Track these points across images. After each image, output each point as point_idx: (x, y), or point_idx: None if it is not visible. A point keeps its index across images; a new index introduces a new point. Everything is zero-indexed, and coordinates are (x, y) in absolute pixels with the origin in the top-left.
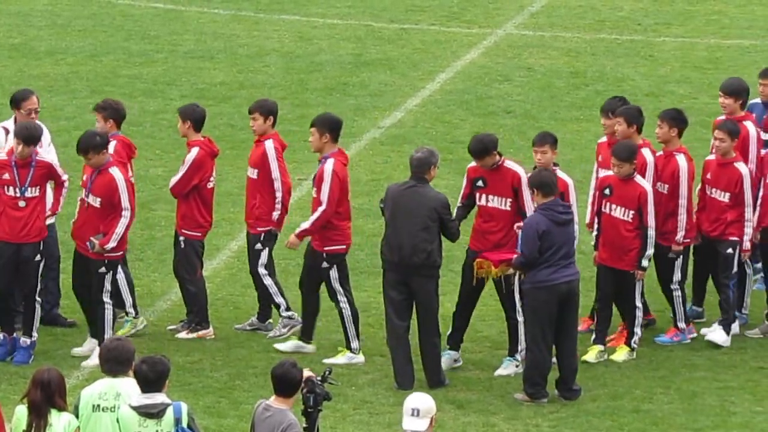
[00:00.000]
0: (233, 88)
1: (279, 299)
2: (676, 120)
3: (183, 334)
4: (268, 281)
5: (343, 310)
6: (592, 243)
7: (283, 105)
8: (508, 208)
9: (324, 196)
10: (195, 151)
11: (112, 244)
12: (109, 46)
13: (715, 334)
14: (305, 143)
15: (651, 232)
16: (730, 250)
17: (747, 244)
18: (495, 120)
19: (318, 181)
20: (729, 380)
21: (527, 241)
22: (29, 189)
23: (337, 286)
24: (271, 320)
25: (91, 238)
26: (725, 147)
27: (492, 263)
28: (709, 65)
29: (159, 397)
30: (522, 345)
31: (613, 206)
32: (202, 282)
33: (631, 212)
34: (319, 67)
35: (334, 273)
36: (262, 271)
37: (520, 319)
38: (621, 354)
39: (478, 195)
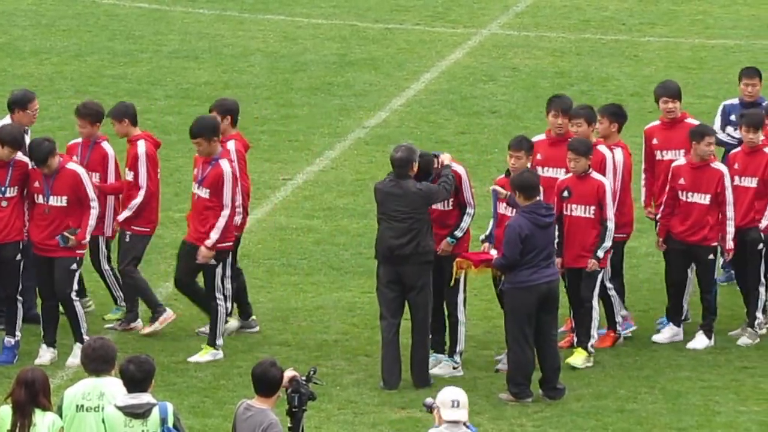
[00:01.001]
0: (218, 88)
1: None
2: (616, 115)
3: (147, 329)
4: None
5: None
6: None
7: (267, 105)
8: (450, 208)
9: (227, 199)
10: (143, 143)
11: (88, 238)
12: (94, 46)
13: (697, 341)
14: (290, 143)
15: (610, 225)
16: (711, 256)
17: (730, 243)
18: (480, 120)
19: (215, 182)
20: (713, 380)
21: (509, 243)
22: (9, 189)
23: (221, 282)
24: (254, 317)
25: (64, 233)
26: (713, 151)
27: (472, 263)
28: (693, 65)
29: (144, 397)
30: (460, 346)
31: (573, 206)
32: (137, 273)
33: (592, 208)
34: (303, 67)
35: (219, 270)
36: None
37: (461, 318)
38: (578, 358)
39: None
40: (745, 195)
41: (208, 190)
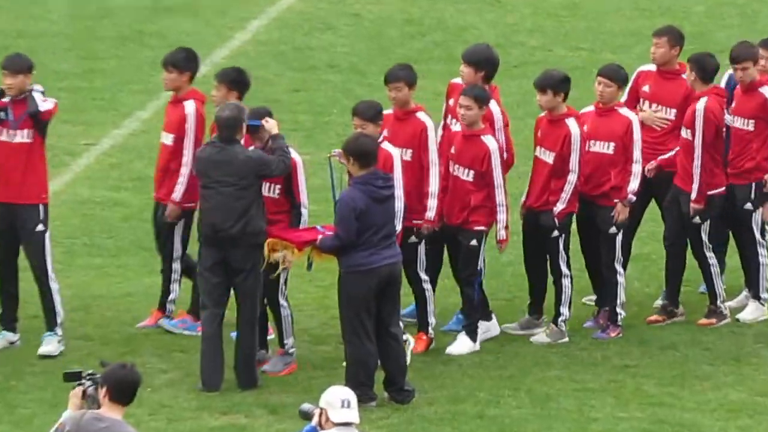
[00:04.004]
0: (11, 37)
1: None
2: (236, 82)
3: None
4: None
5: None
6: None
7: (68, 57)
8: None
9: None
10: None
11: None
12: None
13: (456, 345)
14: (94, 101)
15: (399, 204)
16: (474, 242)
17: (502, 233)
18: (316, 75)
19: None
20: (588, 381)
21: (343, 221)
22: None
23: None
24: None
25: None
26: (472, 116)
27: (295, 245)
28: (565, 12)
29: None
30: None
31: None
32: None
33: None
34: (109, 13)
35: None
36: None
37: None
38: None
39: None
40: (542, 171)
41: None
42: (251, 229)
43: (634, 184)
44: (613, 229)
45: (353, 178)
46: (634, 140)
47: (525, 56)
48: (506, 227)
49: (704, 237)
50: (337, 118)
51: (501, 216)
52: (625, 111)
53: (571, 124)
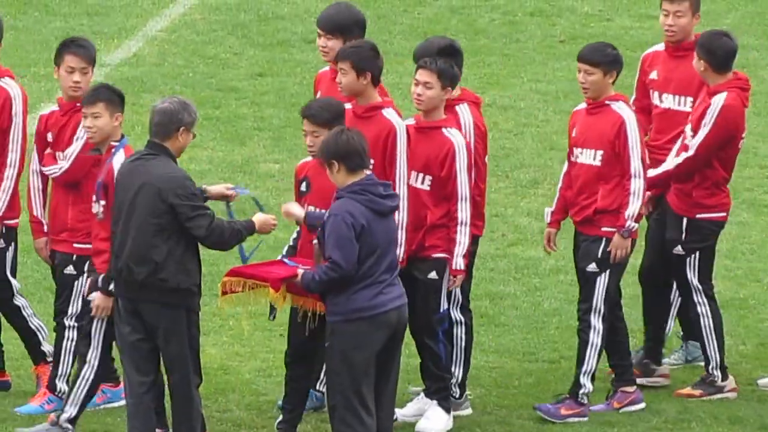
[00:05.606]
0: None
1: None
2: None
3: None
4: None
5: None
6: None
7: None
8: None
9: None
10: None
11: None
12: None
13: (430, 420)
14: None
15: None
16: (433, 275)
17: (459, 262)
18: (289, 54)
19: None
20: None
21: (341, 243)
22: None
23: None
24: None
25: None
26: (433, 97)
27: (266, 282)
28: None
29: None
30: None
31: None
32: None
33: None
34: None
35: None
36: None
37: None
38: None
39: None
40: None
41: None
42: (163, 279)
43: (633, 207)
44: (592, 266)
45: (343, 189)
46: (629, 145)
47: (575, 28)
48: (465, 255)
49: (690, 274)
50: None
51: (461, 239)
52: (618, 106)
53: (462, 111)
